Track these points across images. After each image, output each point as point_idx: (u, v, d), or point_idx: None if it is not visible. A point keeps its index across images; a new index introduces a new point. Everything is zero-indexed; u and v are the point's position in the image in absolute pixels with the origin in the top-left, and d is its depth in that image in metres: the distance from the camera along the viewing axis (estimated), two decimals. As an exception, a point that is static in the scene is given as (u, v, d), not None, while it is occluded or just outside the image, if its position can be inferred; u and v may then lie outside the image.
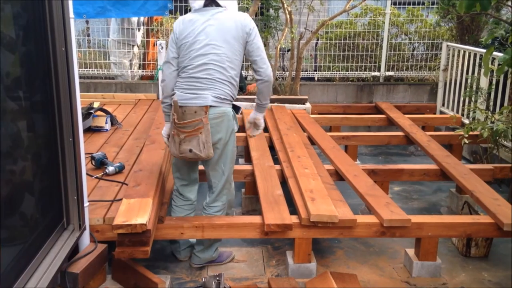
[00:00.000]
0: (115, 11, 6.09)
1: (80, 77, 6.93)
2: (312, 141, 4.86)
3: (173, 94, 3.13)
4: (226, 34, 3.05)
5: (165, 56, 3.21)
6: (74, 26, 2.62)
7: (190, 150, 3.03)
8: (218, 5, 3.11)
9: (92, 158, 3.73)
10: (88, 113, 4.70)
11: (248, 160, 4.61)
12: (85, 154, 2.98)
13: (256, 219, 3.22)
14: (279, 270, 3.38)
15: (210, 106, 3.02)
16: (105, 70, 7.16)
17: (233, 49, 3.07)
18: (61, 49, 2.50)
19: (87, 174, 3.23)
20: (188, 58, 3.07)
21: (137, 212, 2.82)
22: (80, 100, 2.72)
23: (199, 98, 3.02)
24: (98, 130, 4.74)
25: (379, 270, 3.42)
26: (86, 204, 2.80)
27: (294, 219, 3.19)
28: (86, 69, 7.10)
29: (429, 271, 3.32)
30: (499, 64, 4.65)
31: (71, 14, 2.56)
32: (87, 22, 7.51)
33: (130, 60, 7.23)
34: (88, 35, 7.65)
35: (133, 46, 7.24)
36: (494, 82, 5.39)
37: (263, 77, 3.13)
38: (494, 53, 5.04)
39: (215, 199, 3.30)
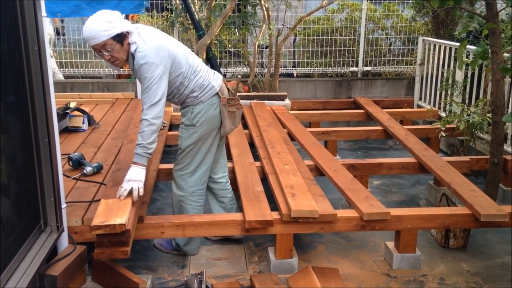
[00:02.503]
0: (90, 10, 6.03)
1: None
2: (292, 137, 4.87)
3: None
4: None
5: (157, 95, 2.93)
6: (46, 25, 2.57)
7: (240, 119, 3.46)
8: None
9: (70, 158, 3.68)
10: (64, 113, 4.64)
11: (228, 157, 4.60)
12: (62, 154, 2.94)
13: (237, 216, 3.22)
14: (261, 267, 3.38)
15: None
16: (81, 69, 7.06)
17: None
18: (34, 48, 2.46)
19: (64, 175, 3.18)
20: (188, 66, 3.17)
21: (116, 212, 2.79)
22: (57, 100, 2.68)
23: (218, 76, 3.36)
24: (75, 130, 4.67)
25: (360, 264, 3.45)
26: (63, 205, 2.76)
27: (275, 215, 3.19)
28: (62, 69, 6.99)
29: (409, 263, 3.36)
30: (473, 57, 4.73)
31: (43, 13, 2.52)
32: (62, 21, 7.40)
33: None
34: (64, 34, 7.53)
35: None
36: (469, 75, 5.47)
37: None
38: (468, 46, 5.11)
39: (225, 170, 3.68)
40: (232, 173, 3.92)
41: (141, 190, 2.93)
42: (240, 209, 3.66)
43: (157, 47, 2.99)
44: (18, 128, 2.44)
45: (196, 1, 6.46)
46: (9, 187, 2.33)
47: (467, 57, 5.33)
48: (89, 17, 3.03)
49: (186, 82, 3.18)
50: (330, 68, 7.25)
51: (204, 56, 5.95)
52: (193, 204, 3.40)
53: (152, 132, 2.94)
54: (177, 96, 3.23)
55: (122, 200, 2.91)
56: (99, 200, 3.10)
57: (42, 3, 2.51)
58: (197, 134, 3.27)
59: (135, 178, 2.92)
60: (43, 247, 2.54)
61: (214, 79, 3.29)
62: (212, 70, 3.37)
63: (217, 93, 3.26)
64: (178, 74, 3.13)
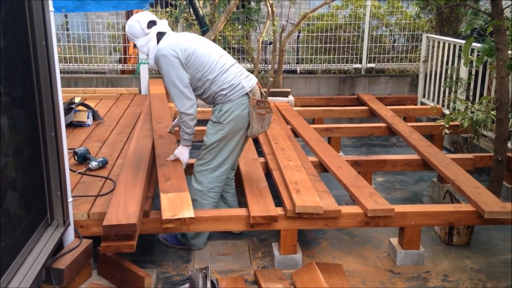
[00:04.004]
0: (95, 5, 6.02)
1: (60, 72, 6.82)
2: (296, 134, 4.88)
3: None
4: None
5: (178, 84, 3.20)
6: (53, 20, 2.58)
7: (269, 123, 3.43)
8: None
9: (75, 153, 3.69)
10: (69, 108, 4.65)
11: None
12: (68, 149, 2.95)
13: (241, 211, 3.23)
14: (265, 262, 3.40)
15: None
16: (86, 64, 7.07)
17: None
18: (41, 42, 2.47)
19: (70, 169, 3.19)
20: (213, 62, 3.26)
21: (180, 205, 2.86)
22: (61, 95, 2.69)
23: (252, 77, 3.40)
24: (80, 125, 4.69)
25: (364, 260, 3.46)
26: (70, 199, 2.77)
27: (279, 211, 3.21)
28: (66, 64, 7.01)
29: (412, 260, 3.37)
30: (478, 54, 4.72)
31: (51, 7, 2.52)
32: (66, 16, 7.42)
33: None
34: (68, 30, 7.55)
35: None
36: (473, 72, 5.47)
37: None
38: (474, 44, 5.11)
39: None
40: (237, 168, 3.93)
41: (184, 166, 3.47)
42: (241, 205, 3.67)
43: (172, 43, 3.25)
44: (25, 122, 2.45)
45: (200, -3, 6.46)
46: (16, 180, 2.35)
47: (471, 54, 5.32)
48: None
49: (211, 77, 3.25)
50: (333, 64, 7.24)
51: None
52: (209, 200, 3.43)
53: (190, 120, 3.30)
54: (206, 92, 3.31)
55: (182, 193, 3.01)
56: (105, 194, 3.12)
57: (50, -2, 2.52)
58: (223, 131, 3.31)
59: (184, 158, 3.46)
60: (50, 240, 2.55)
61: (246, 80, 3.33)
62: (247, 72, 3.42)
63: (247, 94, 3.29)
64: (197, 68, 3.22)
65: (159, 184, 3.16)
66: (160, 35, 3.30)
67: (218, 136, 3.32)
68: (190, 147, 3.46)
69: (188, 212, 2.80)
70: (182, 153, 3.44)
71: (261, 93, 3.38)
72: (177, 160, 3.46)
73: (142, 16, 3.32)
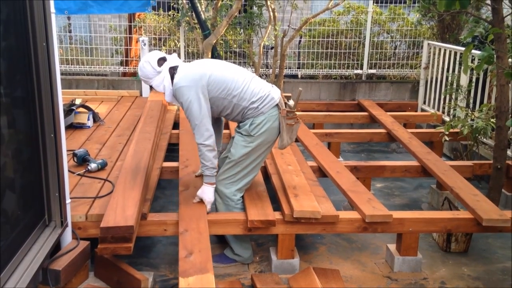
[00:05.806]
0: (97, 7, 6.05)
1: (62, 74, 6.85)
2: (295, 138, 4.87)
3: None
4: None
5: (197, 115, 3.08)
6: (56, 22, 2.59)
7: (296, 134, 3.37)
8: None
9: (74, 155, 3.70)
10: (70, 110, 4.66)
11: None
12: (67, 151, 2.96)
13: (239, 215, 3.23)
14: (262, 266, 3.40)
15: None
16: (87, 66, 7.09)
17: None
18: (42, 44, 2.48)
19: (69, 171, 3.20)
20: (234, 78, 3.19)
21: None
22: (62, 97, 2.70)
23: (276, 88, 3.34)
24: (80, 127, 4.70)
25: (361, 266, 3.46)
26: (68, 201, 2.78)
27: (277, 215, 3.21)
28: (68, 66, 7.02)
29: (410, 266, 3.36)
30: (478, 62, 4.72)
31: (52, 9, 2.54)
32: (68, 18, 7.44)
33: None
34: (70, 31, 7.57)
35: None
36: (474, 80, 5.48)
37: None
38: (474, 51, 5.12)
39: None
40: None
41: (209, 208, 3.25)
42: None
43: (187, 73, 3.17)
44: (25, 123, 2.46)
45: (202, 1, 6.48)
46: (15, 181, 2.35)
47: (472, 61, 5.33)
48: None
49: (236, 92, 3.16)
50: (334, 70, 7.25)
51: (210, 56, 5.97)
52: (232, 204, 3.34)
53: (209, 152, 3.16)
54: (235, 110, 3.21)
55: (204, 276, 2.51)
56: (103, 196, 3.13)
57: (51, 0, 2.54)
58: (253, 144, 3.23)
59: (207, 198, 3.23)
60: (47, 241, 2.55)
61: (274, 92, 3.27)
62: (271, 84, 3.35)
63: (277, 105, 3.23)
64: (219, 87, 3.14)
65: (179, 260, 2.62)
66: (173, 70, 3.21)
67: (248, 149, 3.23)
68: (214, 185, 3.25)
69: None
70: (205, 192, 3.22)
71: (285, 104, 3.29)
72: (201, 208, 3.19)
73: (151, 56, 3.22)
